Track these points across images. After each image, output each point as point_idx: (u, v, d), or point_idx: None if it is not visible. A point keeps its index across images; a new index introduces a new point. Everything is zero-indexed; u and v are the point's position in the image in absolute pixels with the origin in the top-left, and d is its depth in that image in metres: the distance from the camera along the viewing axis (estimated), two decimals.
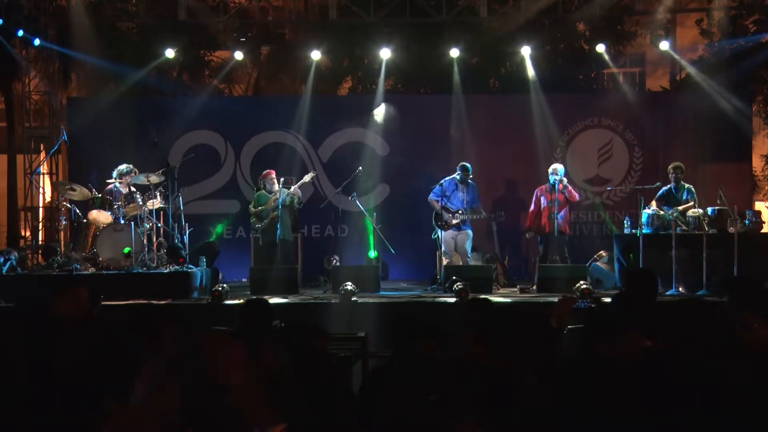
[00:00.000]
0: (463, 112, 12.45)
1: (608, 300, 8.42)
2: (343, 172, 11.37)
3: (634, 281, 5.24)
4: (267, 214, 10.54)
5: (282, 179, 10.75)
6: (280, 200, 10.40)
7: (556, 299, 4.81)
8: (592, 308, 5.51)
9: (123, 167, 10.10)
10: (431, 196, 10.47)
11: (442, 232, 10.29)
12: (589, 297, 8.31)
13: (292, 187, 10.69)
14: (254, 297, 6.45)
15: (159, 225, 10.12)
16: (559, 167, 10.46)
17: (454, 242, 10.39)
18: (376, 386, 3.76)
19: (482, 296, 6.52)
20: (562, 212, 10.42)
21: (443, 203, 10.34)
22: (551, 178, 10.35)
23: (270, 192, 10.64)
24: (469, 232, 10.41)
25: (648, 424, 3.20)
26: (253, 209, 10.78)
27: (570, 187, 10.49)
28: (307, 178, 10.74)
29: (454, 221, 10.27)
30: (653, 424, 3.20)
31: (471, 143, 12.22)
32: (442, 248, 10.28)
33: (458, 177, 10.37)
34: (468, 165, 10.46)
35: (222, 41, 14.12)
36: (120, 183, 10.06)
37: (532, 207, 10.63)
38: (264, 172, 10.84)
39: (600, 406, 3.28)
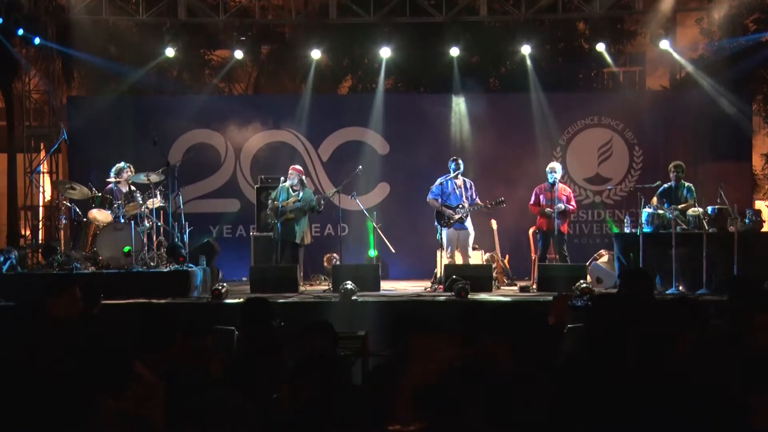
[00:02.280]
0: (463, 112, 12.46)
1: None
2: (343, 171, 11.37)
3: (628, 281, 5.21)
4: (283, 213, 10.41)
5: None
6: (300, 202, 10.30)
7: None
8: (589, 306, 5.49)
9: (118, 165, 10.11)
10: (430, 196, 10.43)
11: (446, 230, 10.30)
12: (586, 294, 8.30)
13: (317, 195, 10.60)
14: (254, 296, 6.44)
15: (159, 224, 10.12)
16: (557, 166, 10.46)
17: (457, 240, 10.38)
18: (377, 384, 3.76)
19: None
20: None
21: (442, 202, 10.34)
22: (550, 176, 10.35)
23: (293, 189, 10.47)
24: (470, 230, 10.40)
25: (648, 424, 3.20)
26: (271, 203, 10.52)
27: (571, 195, 10.53)
28: (331, 192, 10.68)
29: (456, 216, 10.26)
30: (653, 424, 3.20)
31: (471, 143, 12.21)
32: (446, 247, 10.28)
33: (452, 172, 10.31)
34: (458, 158, 10.43)
35: (222, 40, 14.14)
36: (118, 182, 10.07)
37: (533, 205, 10.61)
38: (292, 167, 10.61)
39: (600, 406, 3.28)
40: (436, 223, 10.37)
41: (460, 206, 10.23)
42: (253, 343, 4.75)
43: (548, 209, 10.21)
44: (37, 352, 4.18)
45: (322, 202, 10.66)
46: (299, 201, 10.32)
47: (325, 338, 4.18)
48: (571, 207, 10.47)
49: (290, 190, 10.41)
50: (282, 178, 10.60)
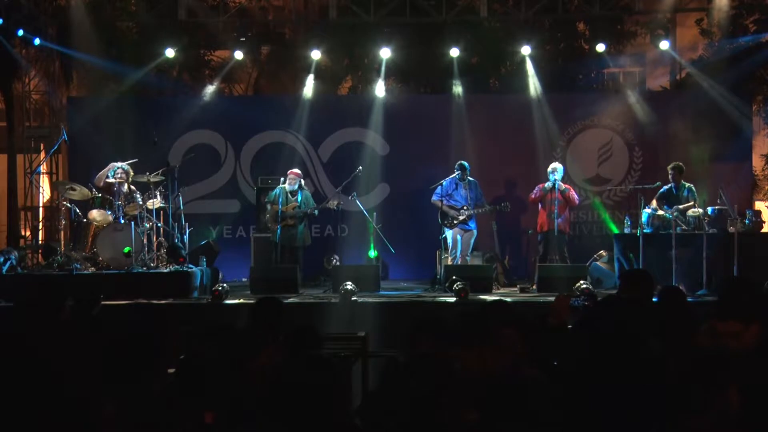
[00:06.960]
0: (463, 112, 12.46)
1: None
2: (343, 171, 11.37)
3: (628, 282, 5.19)
4: (284, 218, 10.43)
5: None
6: (300, 208, 10.35)
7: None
8: (586, 306, 5.50)
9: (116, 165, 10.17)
10: (434, 198, 10.52)
11: (450, 231, 10.34)
12: (586, 295, 8.31)
13: (311, 208, 10.61)
14: (267, 296, 6.32)
15: (159, 224, 10.12)
16: (558, 166, 10.49)
17: (461, 241, 10.42)
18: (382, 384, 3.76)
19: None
20: (564, 212, 10.46)
21: (446, 203, 10.38)
22: (551, 177, 10.38)
23: (292, 194, 10.55)
24: (474, 231, 10.45)
25: (647, 423, 3.20)
26: (270, 206, 10.63)
27: (571, 190, 10.55)
28: (332, 204, 10.69)
29: (461, 218, 10.31)
30: (652, 423, 3.20)
31: (471, 143, 12.22)
32: (450, 248, 10.32)
33: (457, 176, 10.41)
34: (465, 163, 10.50)
35: (222, 41, 14.08)
36: (119, 181, 10.07)
37: (535, 198, 10.61)
38: (291, 171, 10.73)
39: (599, 405, 3.28)
40: (440, 223, 10.41)
41: (465, 208, 10.27)
42: (263, 344, 4.73)
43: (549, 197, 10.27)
44: (38, 350, 4.18)
45: (316, 209, 10.67)
46: (299, 206, 10.37)
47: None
48: (574, 198, 10.51)
49: (289, 195, 10.47)
50: (282, 179, 10.64)
